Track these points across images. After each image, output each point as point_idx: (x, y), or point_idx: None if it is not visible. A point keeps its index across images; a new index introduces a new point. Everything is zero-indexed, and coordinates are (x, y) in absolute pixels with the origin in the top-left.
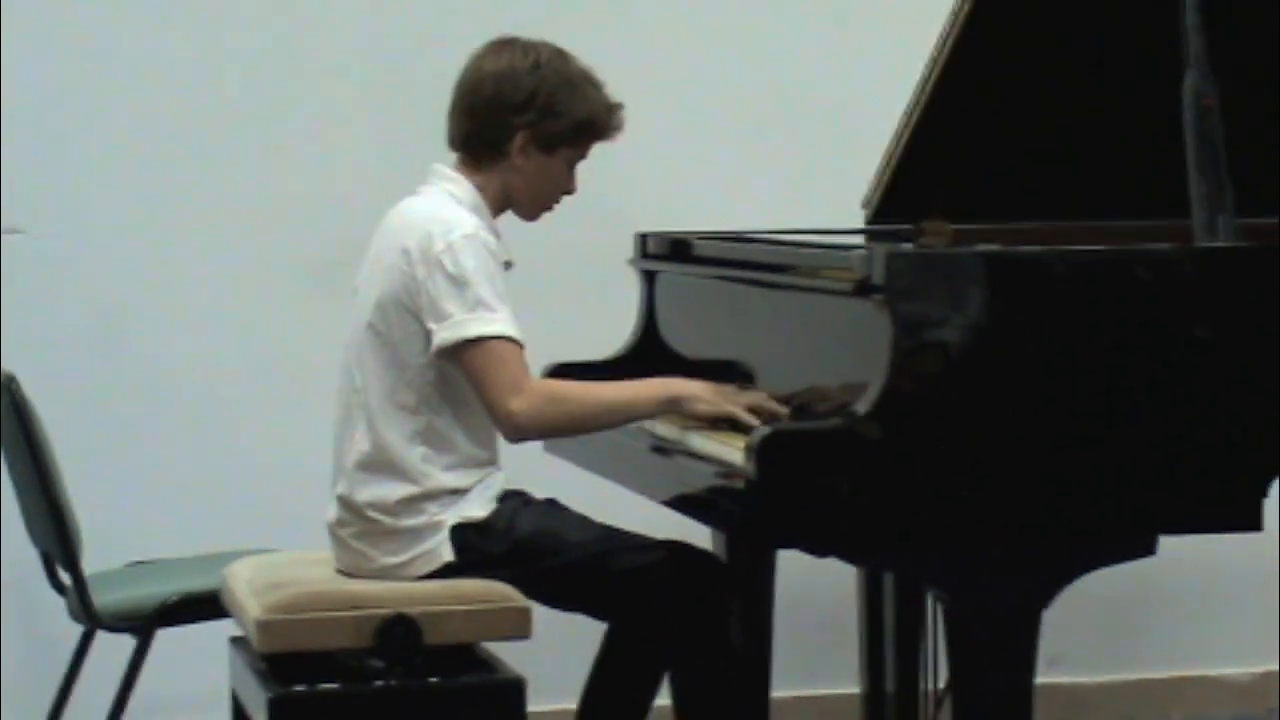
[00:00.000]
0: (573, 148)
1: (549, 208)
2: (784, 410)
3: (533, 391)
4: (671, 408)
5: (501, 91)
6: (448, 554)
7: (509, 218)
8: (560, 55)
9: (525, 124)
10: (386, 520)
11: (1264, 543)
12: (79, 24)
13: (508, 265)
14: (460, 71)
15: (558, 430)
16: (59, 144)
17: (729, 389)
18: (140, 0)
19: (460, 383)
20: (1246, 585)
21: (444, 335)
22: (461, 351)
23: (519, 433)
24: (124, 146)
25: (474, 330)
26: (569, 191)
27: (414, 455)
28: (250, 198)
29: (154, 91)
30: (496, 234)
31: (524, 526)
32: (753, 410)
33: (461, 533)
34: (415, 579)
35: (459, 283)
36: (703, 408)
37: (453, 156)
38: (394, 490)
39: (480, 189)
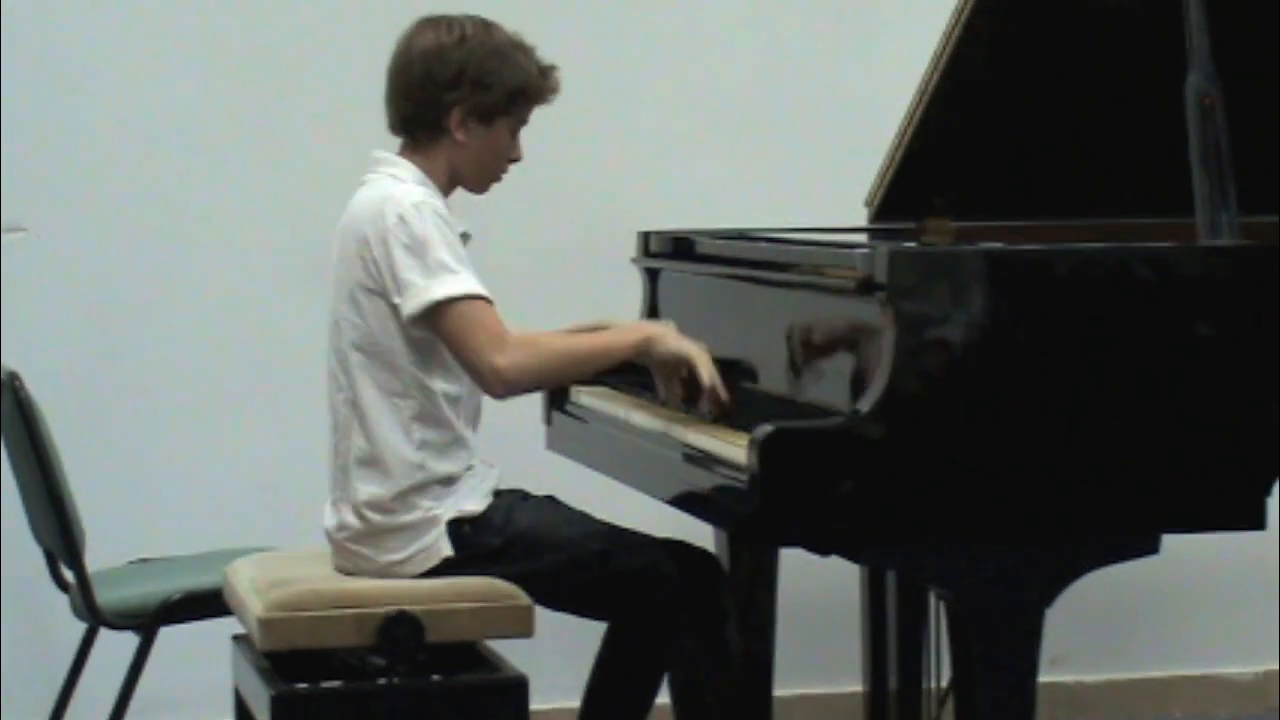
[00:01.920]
0: (510, 116)
1: (497, 178)
2: (725, 397)
3: (515, 345)
4: (645, 347)
5: (431, 70)
6: (447, 549)
7: (483, 204)
8: (485, 26)
9: (458, 99)
10: (382, 519)
11: (1267, 542)
12: (79, 23)
13: (465, 237)
14: (391, 56)
15: (542, 381)
16: (60, 143)
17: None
18: (139, 3)
19: (441, 360)
20: (1249, 584)
21: (412, 304)
22: (434, 316)
23: (506, 388)
24: (125, 145)
25: (440, 292)
26: (515, 159)
27: (411, 442)
28: (252, 197)
29: (155, 90)
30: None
31: (521, 521)
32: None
33: (457, 527)
34: (416, 576)
35: (415, 251)
36: (666, 346)
37: (396, 142)
38: (389, 487)
39: (426, 171)
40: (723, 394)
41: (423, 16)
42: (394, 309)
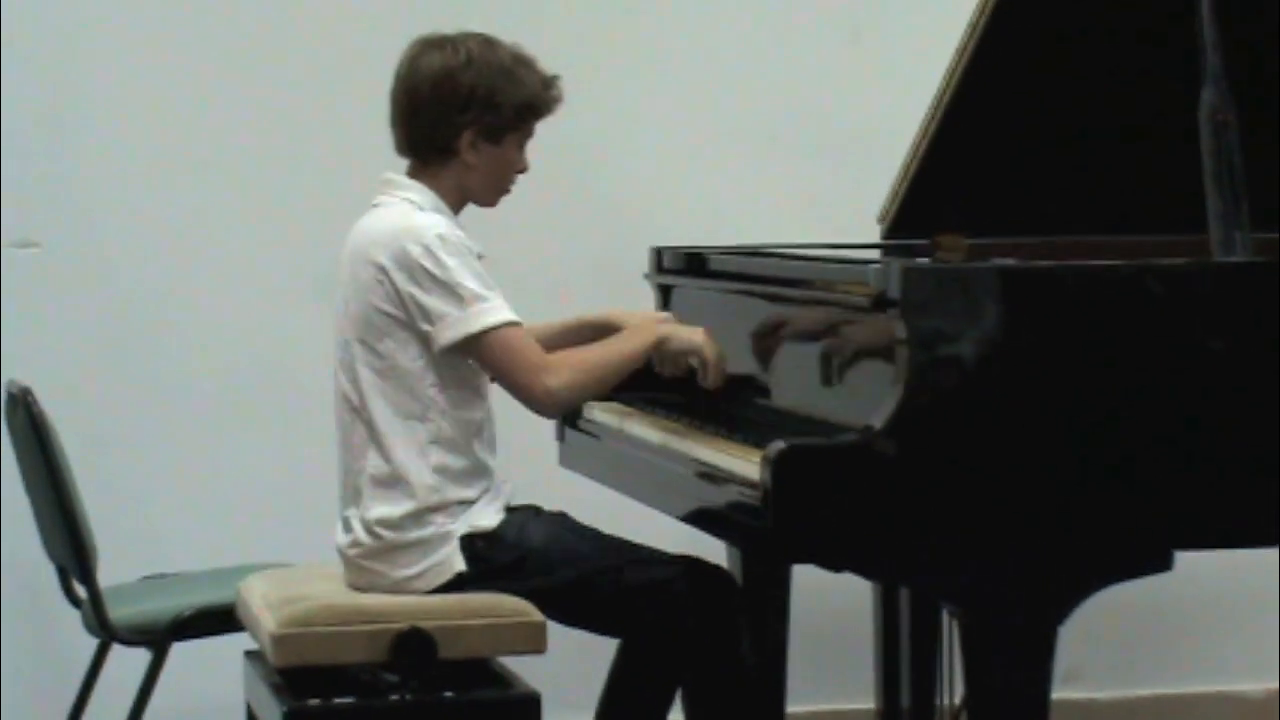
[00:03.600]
0: (518, 131)
1: (506, 190)
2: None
3: (561, 366)
4: (660, 346)
5: (440, 94)
6: (459, 564)
7: (496, 219)
8: (488, 44)
9: (469, 121)
10: (394, 536)
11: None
12: (90, 39)
13: (480, 257)
14: (394, 78)
15: (588, 395)
16: (72, 159)
17: (696, 328)
18: (151, 14)
19: (461, 384)
20: (1262, 601)
21: (447, 335)
22: (472, 347)
23: (560, 407)
24: (137, 161)
25: (477, 324)
26: (521, 170)
27: (427, 465)
28: (264, 212)
29: (167, 106)
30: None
31: (535, 537)
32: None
33: (471, 543)
34: (428, 591)
35: (444, 283)
36: (677, 344)
37: (404, 163)
38: (401, 506)
39: (437, 192)
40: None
41: (421, 37)
42: (421, 336)
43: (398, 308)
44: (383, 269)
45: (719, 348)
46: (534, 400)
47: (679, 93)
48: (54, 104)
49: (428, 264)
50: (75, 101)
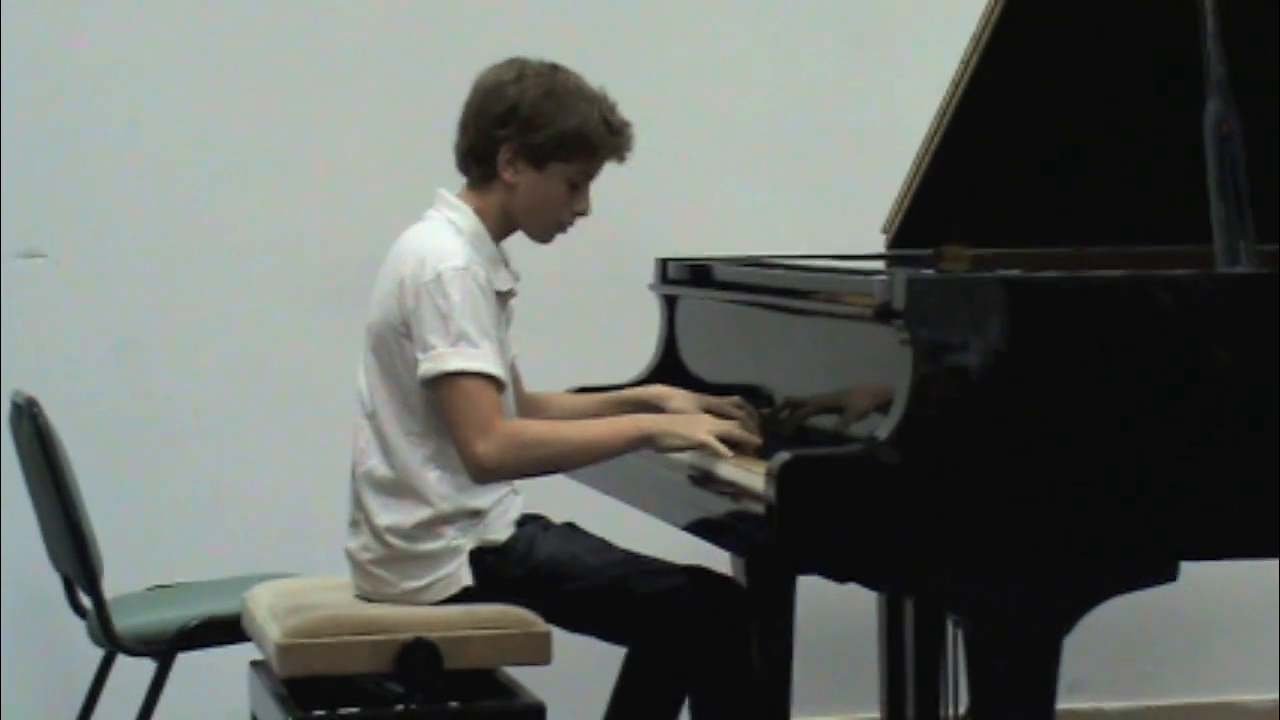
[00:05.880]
0: (566, 163)
1: (559, 228)
2: (756, 440)
3: (500, 435)
4: (643, 445)
5: (485, 105)
6: (466, 578)
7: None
8: (551, 69)
9: (506, 137)
10: (404, 545)
11: None
12: (99, 47)
13: (510, 294)
14: None
15: (523, 474)
16: (79, 169)
17: (699, 416)
18: (161, 26)
19: None
20: (1266, 612)
21: (426, 366)
22: (438, 385)
23: (483, 475)
24: (144, 172)
25: (453, 364)
26: (580, 212)
27: (429, 479)
28: (269, 223)
29: (174, 117)
30: (505, 261)
31: (543, 551)
32: (724, 438)
33: (480, 557)
34: (435, 604)
35: (443, 315)
36: (672, 442)
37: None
38: (412, 514)
39: (481, 213)
40: (756, 441)
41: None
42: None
43: (406, 325)
44: (402, 285)
45: (728, 425)
46: (465, 461)
47: (684, 103)
48: (60, 113)
49: (435, 291)
50: (82, 111)
